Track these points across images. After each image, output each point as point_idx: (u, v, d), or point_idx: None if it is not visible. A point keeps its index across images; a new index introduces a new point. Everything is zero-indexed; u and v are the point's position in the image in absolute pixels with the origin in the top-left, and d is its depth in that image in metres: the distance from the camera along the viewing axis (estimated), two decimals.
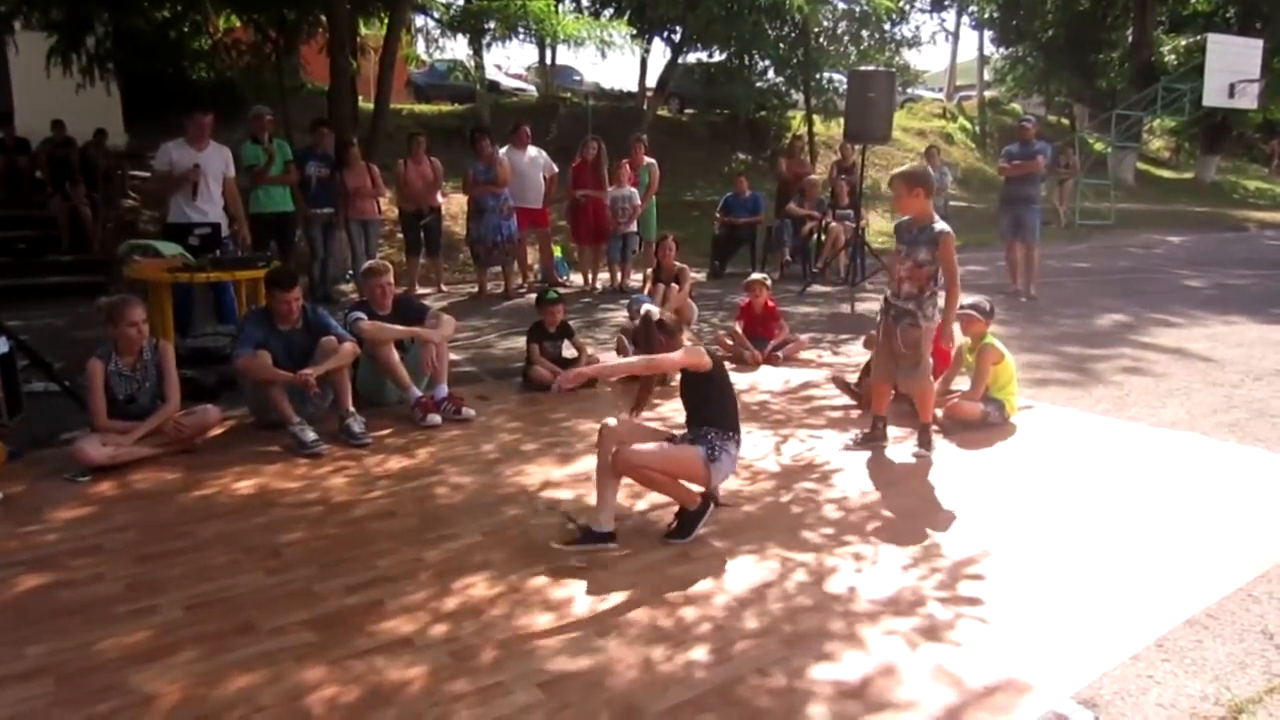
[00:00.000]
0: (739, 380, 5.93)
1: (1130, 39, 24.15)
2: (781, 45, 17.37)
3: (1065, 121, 26.09)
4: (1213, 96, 16.49)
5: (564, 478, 4.06)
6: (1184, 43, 24.57)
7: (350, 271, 8.64)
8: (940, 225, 4.25)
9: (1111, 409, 5.31)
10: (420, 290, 8.88)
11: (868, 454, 4.47)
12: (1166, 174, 26.02)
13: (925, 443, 4.49)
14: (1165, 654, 2.64)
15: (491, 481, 4.03)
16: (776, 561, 3.22)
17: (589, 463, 4.22)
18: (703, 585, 3.03)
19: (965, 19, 28.24)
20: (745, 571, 3.14)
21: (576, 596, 2.94)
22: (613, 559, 3.22)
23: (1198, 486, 4.02)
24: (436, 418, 4.87)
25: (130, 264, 6.03)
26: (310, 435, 4.44)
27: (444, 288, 9.44)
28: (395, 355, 5.05)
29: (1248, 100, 16.88)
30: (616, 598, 2.94)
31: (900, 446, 4.58)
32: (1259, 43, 17.39)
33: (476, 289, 9.13)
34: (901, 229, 4.43)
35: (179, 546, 3.32)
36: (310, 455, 4.34)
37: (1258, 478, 4.15)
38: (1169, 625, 2.79)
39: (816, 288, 9.61)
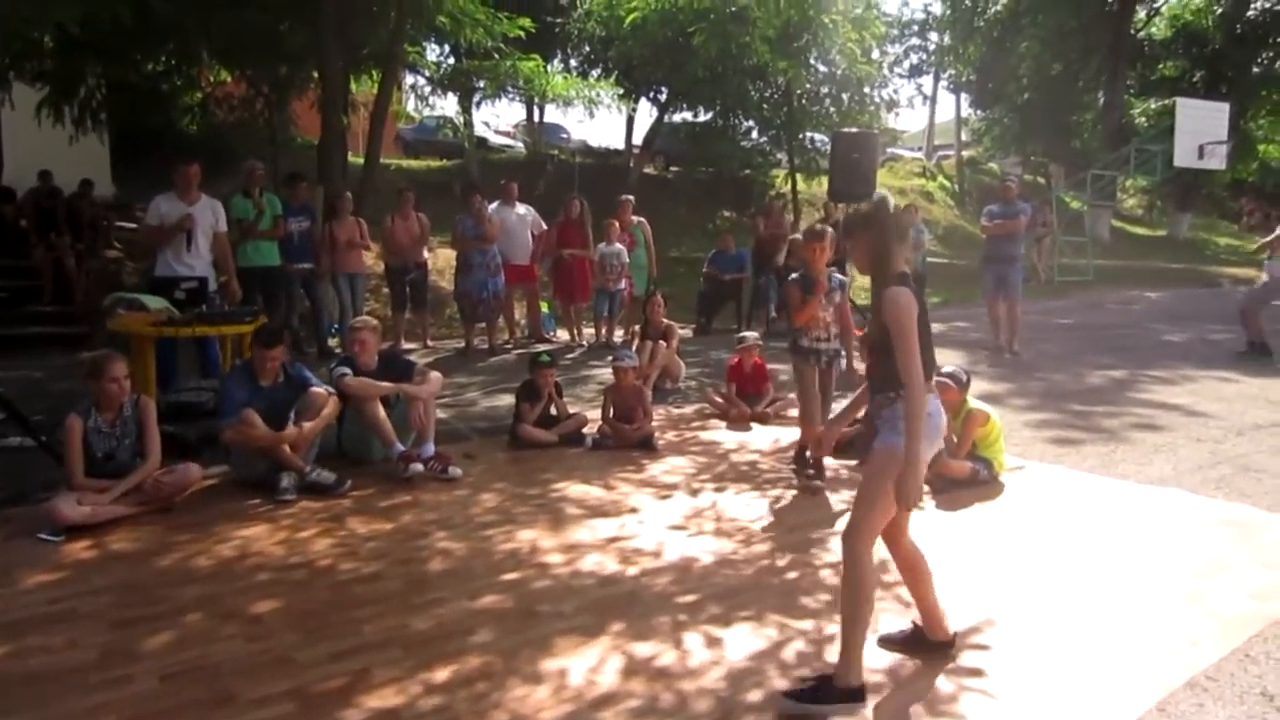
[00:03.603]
0: (729, 439, 5.91)
1: (1102, 102, 24.84)
2: (765, 106, 17.75)
3: (1042, 180, 26.66)
4: (1183, 158, 16.93)
5: (554, 544, 3.96)
6: (1154, 105, 25.35)
7: (336, 325, 8.59)
8: (843, 276, 5.10)
9: (1099, 466, 5.31)
10: (406, 345, 8.84)
11: None
12: (1141, 231, 26.57)
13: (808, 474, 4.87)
14: (1167, 718, 2.60)
15: (480, 545, 3.94)
16: (774, 629, 3.14)
17: (580, 528, 4.16)
18: (700, 656, 2.94)
19: (942, 82, 29.05)
20: (743, 640, 3.05)
21: (571, 667, 2.85)
22: (604, 626, 3.13)
23: (1188, 545, 3.99)
24: (418, 466, 4.82)
25: (114, 316, 5.96)
26: (328, 476, 4.63)
27: (430, 343, 9.40)
28: (381, 411, 5.00)
29: (1216, 161, 17.33)
30: (612, 668, 2.85)
31: None
32: (1225, 106, 17.94)
33: (463, 344, 9.09)
34: (818, 280, 4.88)
35: (156, 611, 3.21)
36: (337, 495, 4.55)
37: (1245, 534, 4.12)
38: (1169, 688, 2.75)
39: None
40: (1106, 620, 3.22)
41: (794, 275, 5.04)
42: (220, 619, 3.15)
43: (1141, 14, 25.83)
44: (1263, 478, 5.03)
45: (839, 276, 5.06)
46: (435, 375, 5.37)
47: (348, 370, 5.03)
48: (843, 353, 5.07)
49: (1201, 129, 16.86)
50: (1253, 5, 25.18)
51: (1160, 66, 26.44)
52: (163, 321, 5.67)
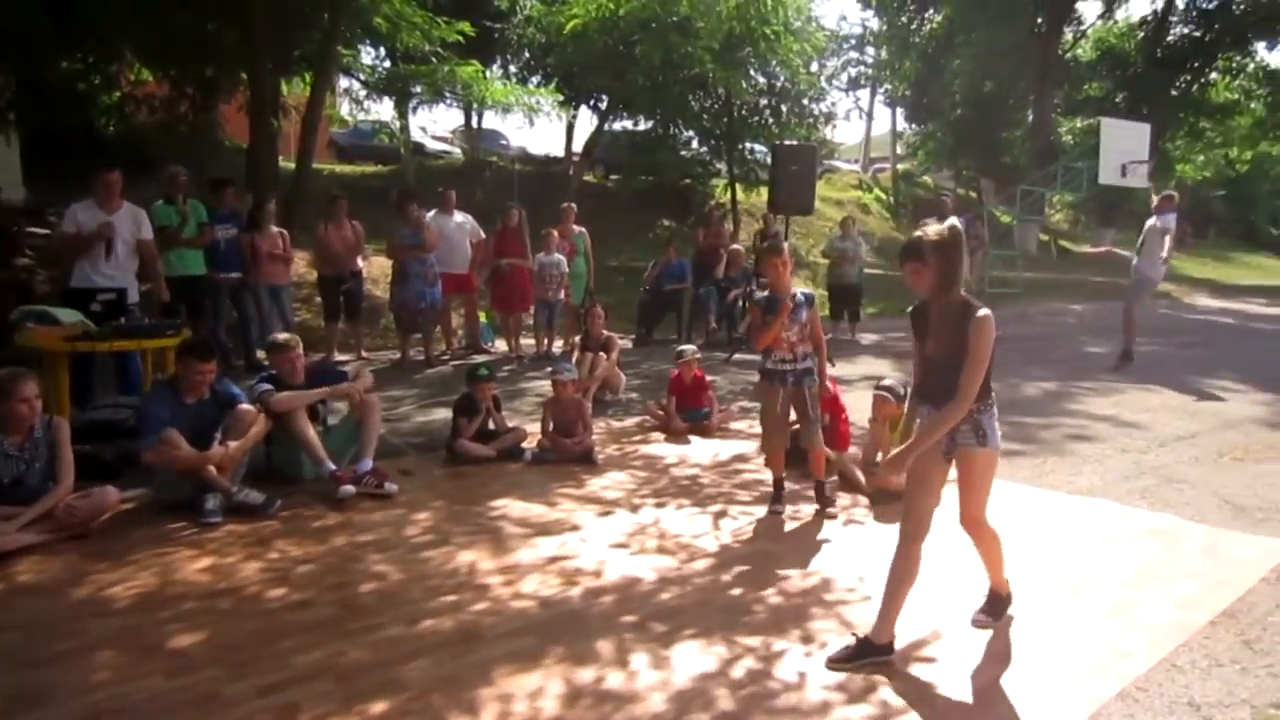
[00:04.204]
0: (669, 453, 5.88)
1: (1031, 119, 25.69)
2: (705, 116, 17.86)
3: (974, 194, 27.41)
4: (1107, 175, 17.55)
5: (494, 565, 3.86)
6: (1080, 124, 26.32)
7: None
8: (808, 290, 4.74)
9: (1032, 477, 5.40)
10: (340, 357, 8.60)
11: (804, 529, 4.44)
12: (1067, 245, 27.46)
13: (826, 500, 4.67)
14: None
15: (417, 567, 3.81)
16: (722, 647, 3.10)
17: (520, 547, 4.07)
18: (646, 678, 2.89)
19: (879, 96, 29.71)
20: (689, 660, 3.01)
21: (515, 694, 2.77)
22: (547, 649, 3.06)
23: (1116, 555, 4.08)
24: (350, 489, 4.65)
25: (24, 331, 5.63)
26: (256, 497, 4.41)
27: (364, 354, 9.17)
28: (309, 428, 4.83)
29: (1138, 180, 18.00)
30: (555, 694, 2.78)
31: (833, 523, 4.56)
32: (1146, 127, 18.68)
33: (398, 356, 8.89)
34: (779, 301, 4.60)
35: (69, 648, 3.02)
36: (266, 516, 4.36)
37: (1170, 544, 4.23)
38: (1101, 700, 2.79)
39: (741, 356, 9.69)
40: (1041, 632, 3.27)
41: (761, 295, 4.83)
42: (139, 654, 2.98)
43: (1068, 35, 26.83)
44: (1184, 488, 5.18)
45: (805, 292, 4.68)
46: (365, 372, 5.31)
47: (269, 386, 4.84)
48: (814, 372, 4.66)
49: (1124, 148, 17.50)
50: (1171, 31, 26.38)
51: (1086, 87, 27.51)
52: (78, 336, 5.39)
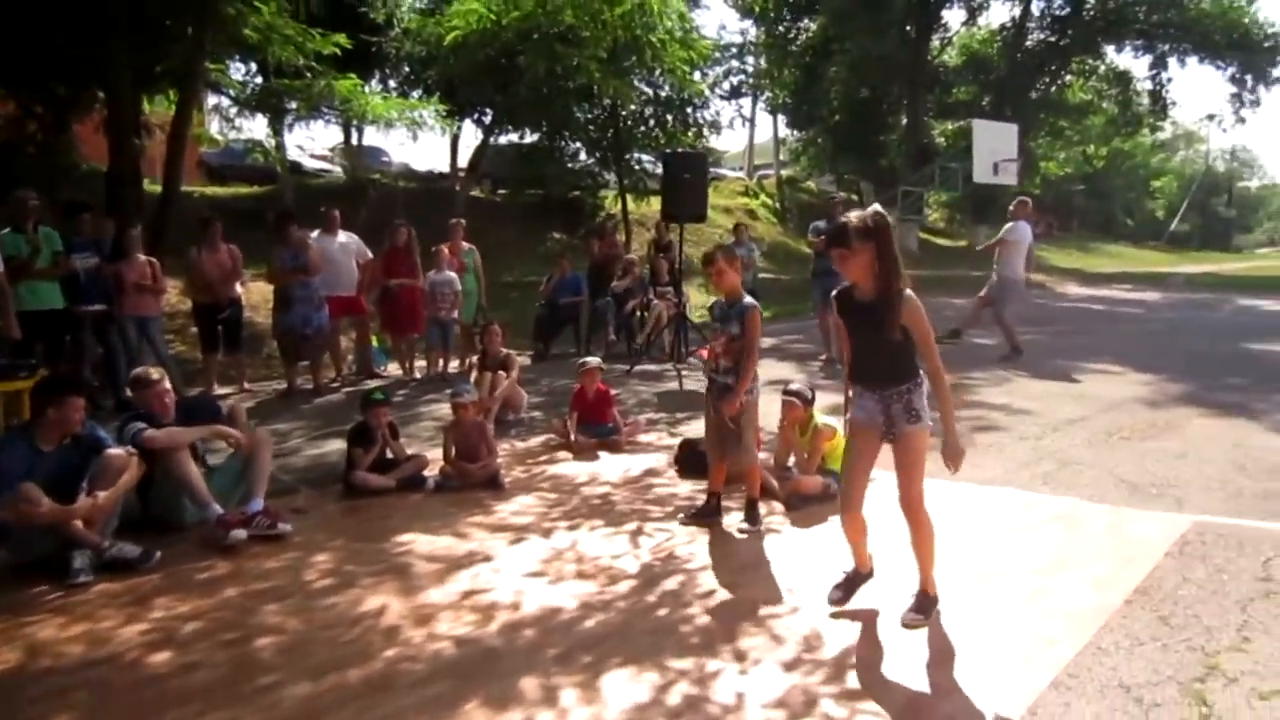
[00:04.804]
0: (578, 472, 5.70)
1: (905, 123, 26.78)
2: (591, 127, 17.80)
3: (854, 197, 28.29)
4: (980, 174, 18.42)
5: (402, 606, 3.60)
6: (951, 126, 27.61)
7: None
8: (749, 299, 4.44)
9: (936, 470, 5.43)
10: (221, 390, 8.09)
11: (724, 542, 4.34)
12: (944, 242, 28.68)
13: (753, 518, 4.48)
14: None
15: (318, 614, 3.52)
16: (654, 673, 2.96)
17: (429, 584, 3.82)
18: (577, 714, 2.72)
19: (760, 104, 30.40)
20: (620, 690, 2.85)
21: None
22: (466, 693, 2.84)
23: (1026, 542, 4.14)
24: (241, 533, 4.29)
25: None
26: (131, 550, 4.04)
27: (248, 385, 8.64)
28: (192, 465, 4.47)
29: (1009, 177, 18.94)
30: None
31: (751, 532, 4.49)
32: (1014, 127, 19.72)
33: (285, 385, 8.41)
34: (716, 307, 4.53)
35: None
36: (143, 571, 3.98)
37: (1074, 527, 4.33)
38: (1036, 690, 2.79)
39: (643, 366, 9.61)
40: (967, 627, 3.27)
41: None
42: None
43: (936, 42, 28.12)
44: (1081, 470, 5.36)
45: (746, 303, 4.38)
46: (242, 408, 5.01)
47: (142, 425, 4.44)
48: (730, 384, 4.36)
49: (995, 147, 18.42)
50: (1029, 37, 28.02)
51: (955, 91, 28.91)
52: None
